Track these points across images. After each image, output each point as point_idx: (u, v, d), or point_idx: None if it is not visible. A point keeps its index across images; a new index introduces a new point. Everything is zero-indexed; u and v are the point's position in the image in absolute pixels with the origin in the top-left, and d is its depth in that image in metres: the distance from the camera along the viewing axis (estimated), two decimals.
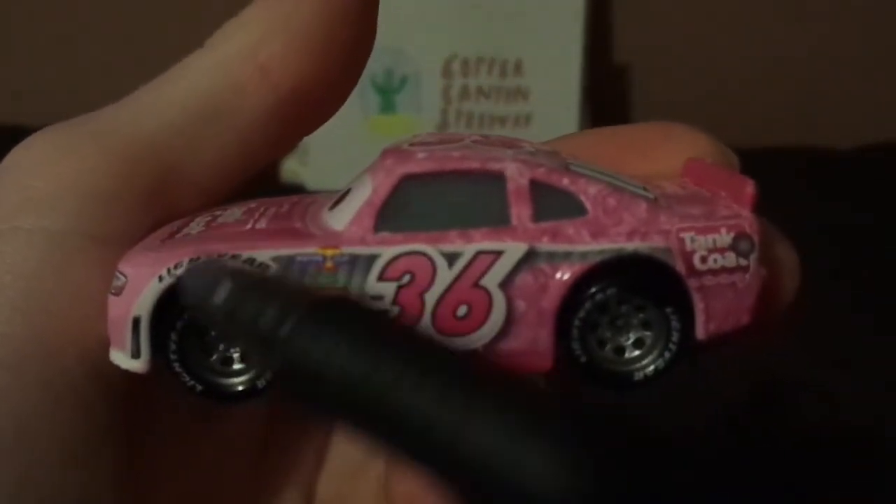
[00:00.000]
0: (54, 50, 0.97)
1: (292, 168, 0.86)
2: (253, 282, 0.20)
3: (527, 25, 0.85)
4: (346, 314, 0.19)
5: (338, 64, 0.25)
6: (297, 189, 0.85)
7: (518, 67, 0.86)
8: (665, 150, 0.25)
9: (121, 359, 0.23)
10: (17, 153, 0.24)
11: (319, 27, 0.24)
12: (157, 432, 0.25)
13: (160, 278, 0.22)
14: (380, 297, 0.22)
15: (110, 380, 0.23)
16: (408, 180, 0.23)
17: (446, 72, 0.86)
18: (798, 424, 0.56)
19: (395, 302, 0.22)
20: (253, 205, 0.25)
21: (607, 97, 0.94)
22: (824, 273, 0.70)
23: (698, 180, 0.25)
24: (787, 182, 0.84)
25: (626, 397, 0.27)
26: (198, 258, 0.22)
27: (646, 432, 0.17)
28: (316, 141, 0.83)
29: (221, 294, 0.20)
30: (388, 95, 0.86)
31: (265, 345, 0.19)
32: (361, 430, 0.19)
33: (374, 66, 0.85)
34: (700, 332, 0.23)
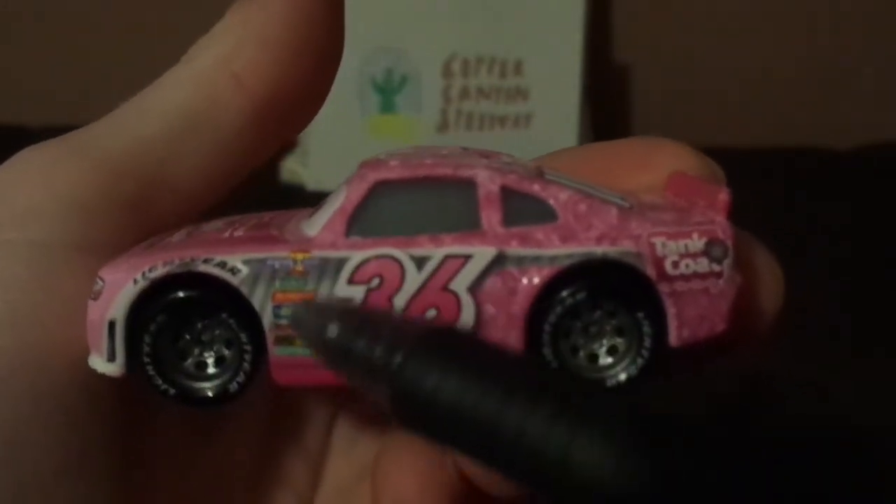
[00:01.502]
0: (55, 50, 0.97)
1: (292, 168, 0.86)
2: (362, 317, 0.21)
3: (527, 25, 0.85)
4: (452, 344, 0.20)
5: (311, 69, 0.26)
6: (296, 189, 0.85)
7: (518, 67, 0.86)
8: (651, 165, 0.25)
9: (98, 363, 0.23)
10: (1, 171, 0.24)
11: (290, 34, 0.25)
12: (153, 446, 0.25)
13: (135, 281, 0.23)
14: (349, 301, 0.23)
15: (99, 391, 0.23)
16: (380, 186, 0.23)
17: (446, 72, 0.86)
18: (792, 423, 0.56)
19: (363, 305, 0.23)
20: (236, 218, 0.26)
21: (607, 97, 0.94)
22: (824, 273, 0.71)
23: (679, 192, 0.25)
24: (788, 182, 0.84)
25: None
26: (172, 261, 0.23)
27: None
28: (316, 141, 0.83)
29: (333, 330, 0.21)
30: (388, 95, 0.86)
31: (378, 377, 0.20)
32: (470, 454, 0.20)
33: (374, 66, 0.85)
34: (673, 339, 0.23)
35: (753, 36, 0.96)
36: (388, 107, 0.86)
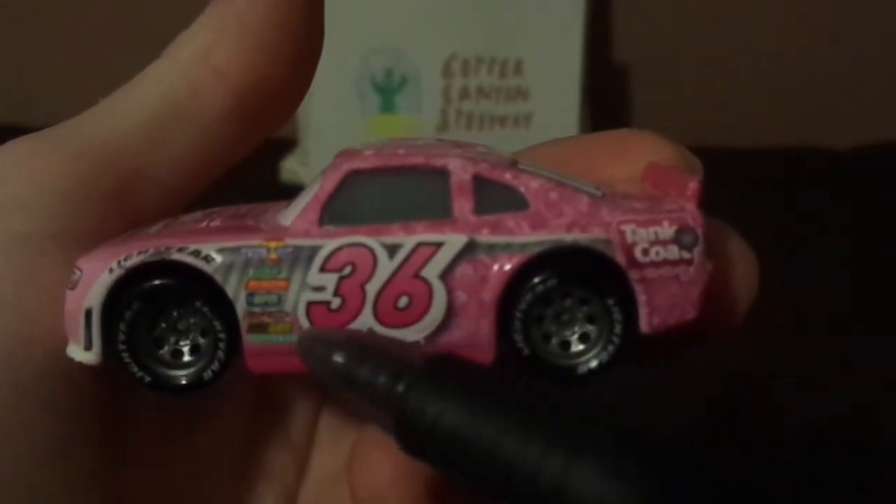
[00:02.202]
0: (55, 50, 0.97)
1: (292, 168, 0.86)
2: (367, 344, 0.22)
3: (527, 25, 0.85)
4: (453, 371, 0.21)
5: (290, 61, 0.26)
6: (296, 189, 0.85)
7: (518, 67, 0.86)
8: (628, 157, 0.26)
9: (75, 352, 0.23)
10: None
11: (269, 26, 0.25)
12: (135, 436, 0.25)
13: (111, 270, 0.23)
14: (322, 288, 0.23)
15: (79, 381, 0.23)
16: (353, 175, 0.24)
17: (446, 72, 0.86)
18: (789, 423, 0.56)
19: (336, 293, 0.23)
20: (215, 210, 0.26)
21: (607, 97, 0.94)
22: (824, 273, 0.71)
23: (655, 183, 0.25)
24: (788, 182, 0.84)
25: (612, 396, 0.27)
26: (147, 250, 0.23)
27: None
28: (316, 141, 0.83)
29: (338, 358, 0.21)
30: (388, 95, 0.86)
31: (381, 404, 0.21)
32: (470, 481, 0.20)
33: (374, 66, 0.85)
34: (644, 325, 0.23)
35: (754, 36, 0.96)
36: (388, 107, 0.86)
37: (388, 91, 0.86)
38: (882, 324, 0.65)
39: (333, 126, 0.82)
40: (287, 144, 0.87)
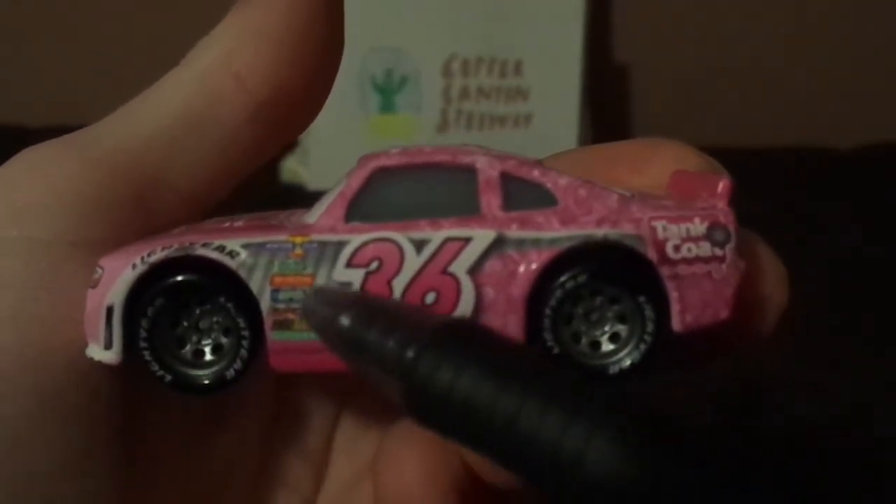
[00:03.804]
0: (55, 50, 0.97)
1: (292, 168, 0.86)
2: (375, 307, 0.21)
3: (527, 25, 0.85)
4: (467, 338, 0.20)
5: (311, 67, 0.26)
6: (296, 189, 0.85)
7: (518, 67, 0.86)
8: (653, 165, 0.25)
9: (95, 351, 0.23)
10: (1, 169, 0.24)
11: (290, 33, 0.25)
12: (154, 445, 0.25)
13: (133, 266, 0.23)
14: (348, 284, 0.22)
15: (100, 389, 0.23)
16: (380, 173, 0.23)
17: (446, 72, 0.86)
18: (790, 424, 0.56)
19: (362, 289, 0.22)
20: (237, 216, 0.26)
21: (607, 97, 0.94)
22: (824, 273, 0.70)
23: (681, 189, 0.25)
24: (788, 182, 0.84)
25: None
26: (171, 246, 0.23)
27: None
28: (316, 141, 0.83)
29: (345, 320, 0.20)
30: (388, 95, 0.86)
31: (390, 370, 0.20)
32: (483, 452, 0.19)
33: (374, 66, 0.85)
34: (676, 324, 0.22)
35: (754, 36, 0.96)
36: (388, 107, 0.86)
37: (388, 91, 0.86)
38: (882, 324, 0.65)
39: (333, 126, 0.82)
40: (287, 144, 0.87)
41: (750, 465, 0.18)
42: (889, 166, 0.86)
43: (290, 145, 0.87)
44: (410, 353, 0.19)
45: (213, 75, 0.25)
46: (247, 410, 0.27)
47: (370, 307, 0.21)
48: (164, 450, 0.26)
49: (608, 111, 0.93)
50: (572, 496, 0.18)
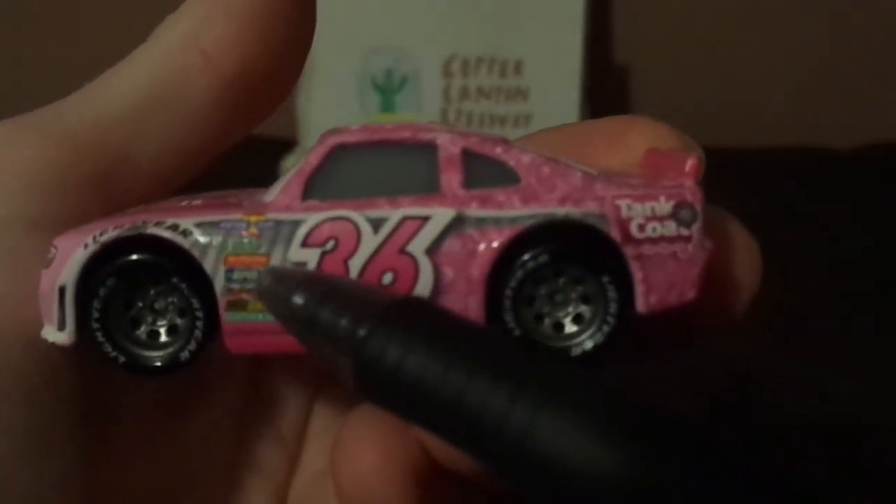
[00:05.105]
0: (55, 50, 0.97)
1: (292, 167, 0.86)
2: (329, 285, 0.21)
3: (527, 25, 0.85)
4: (418, 316, 0.20)
5: (281, 45, 0.25)
6: None
7: (518, 67, 0.86)
8: (625, 143, 0.25)
9: (49, 332, 0.22)
10: None
11: (259, 11, 0.24)
12: (120, 430, 0.25)
13: (85, 246, 0.22)
14: (303, 264, 0.22)
15: (60, 371, 0.23)
16: (339, 149, 0.23)
17: (446, 72, 0.86)
18: (783, 422, 0.56)
19: (318, 269, 0.22)
20: (200, 195, 0.25)
21: (607, 97, 0.94)
22: (824, 273, 0.70)
23: (653, 167, 0.24)
24: (788, 182, 0.84)
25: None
26: (123, 225, 0.22)
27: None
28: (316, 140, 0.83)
29: (298, 299, 0.20)
30: (388, 95, 0.86)
31: (342, 348, 0.19)
32: (432, 429, 0.19)
33: (374, 66, 0.85)
34: (641, 305, 0.22)
35: (754, 36, 0.96)
36: (388, 107, 0.86)
37: (388, 91, 0.86)
38: (882, 323, 0.65)
39: (333, 125, 0.81)
40: (287, 144, 0.87)
41: (731, 453, 0.18)
42: (889, 166, 0.86)
43: (289, 145, 0.87)
44: (362, 332, 0.19)
45: (180, 52, 0.24)
46: (217, 396, 0.27)
47: (324, 286, 0.21)
48: (129, 435, 0.25)
49: (608, 111, 0.93)
50: (521, 475, 0.18)
